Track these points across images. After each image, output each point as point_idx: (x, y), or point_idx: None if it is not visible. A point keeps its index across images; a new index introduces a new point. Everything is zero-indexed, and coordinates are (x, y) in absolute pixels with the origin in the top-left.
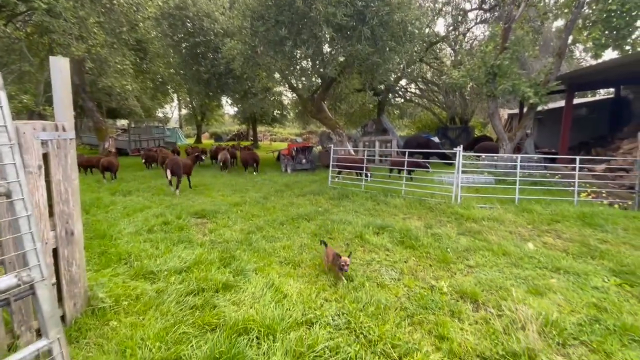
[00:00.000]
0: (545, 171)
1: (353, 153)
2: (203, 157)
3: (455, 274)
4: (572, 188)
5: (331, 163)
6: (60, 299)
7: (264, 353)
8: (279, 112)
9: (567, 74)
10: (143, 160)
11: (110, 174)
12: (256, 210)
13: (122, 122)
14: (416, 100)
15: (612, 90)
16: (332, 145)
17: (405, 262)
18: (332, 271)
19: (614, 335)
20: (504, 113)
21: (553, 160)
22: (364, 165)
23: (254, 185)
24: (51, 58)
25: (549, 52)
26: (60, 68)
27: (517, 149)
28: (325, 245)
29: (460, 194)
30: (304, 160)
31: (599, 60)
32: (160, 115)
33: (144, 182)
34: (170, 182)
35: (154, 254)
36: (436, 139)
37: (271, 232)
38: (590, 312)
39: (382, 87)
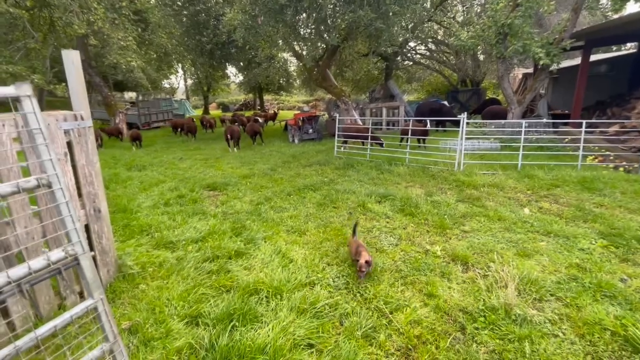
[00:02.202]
0: (555, 135)
1: (360, 122)
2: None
3: (450, 238)
4: (578, 152)
5: (337, 132)
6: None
7: (272, 309)
8: (284, 80)
9: (584, 30)
10: (172, 128)
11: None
12: (264, 181)
13: (130, 95)
14: (425, 63)
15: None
16: (337, 114)
17: (404, 228)
18: (353, 263)
19: (589, 292)
20: (518, 73)
21: (565, 123)
22: (374, 134)
23: (262, 157)
24: (63, 52)
25: (569, 4)
26: (72, 60)
27: (530, 111)
28: (354, 232)
29: (463, 161)
30: (310, 130)
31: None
32: (167, 86)
33: (156, 157)
34: (229, 144)
35: (172, 226)
36: (446, 104)
37: (279, 203)
38: (571, 271)
39: (389, 50)
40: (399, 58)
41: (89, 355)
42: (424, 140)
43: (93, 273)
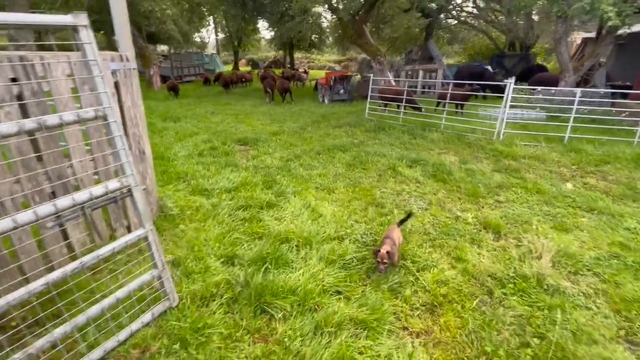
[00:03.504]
0: (611, 108)
1: (394, 83)
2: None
3: (482, 207)
4: (637, 128)
5: (369, 94)
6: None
7: (302, 257)
8: (317, 36)
9: None
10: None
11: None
12: (294, 139)
13: (162, 48)
14: (471, 22)
15: None
16: (371, 75)
17: (434, 194)
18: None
19: (630, 270)
20: (577, 37)
21: (625, 94)
22: (411, 97)
23: (292, 116)
24: None
25: None
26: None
27: (584, 81)
28: (401, 221)
29: (503, 130)
30: (341, 91)
31: None
32: (197, 40)
33: (189, 110)
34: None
35: (206, 175)
36: (489, 68)
37: (308, 161)
38: (613, 249)
39: (434, 5)
40: (442, 15)
41: (140, 279)
42: (462, 106)
43: (144, 205)
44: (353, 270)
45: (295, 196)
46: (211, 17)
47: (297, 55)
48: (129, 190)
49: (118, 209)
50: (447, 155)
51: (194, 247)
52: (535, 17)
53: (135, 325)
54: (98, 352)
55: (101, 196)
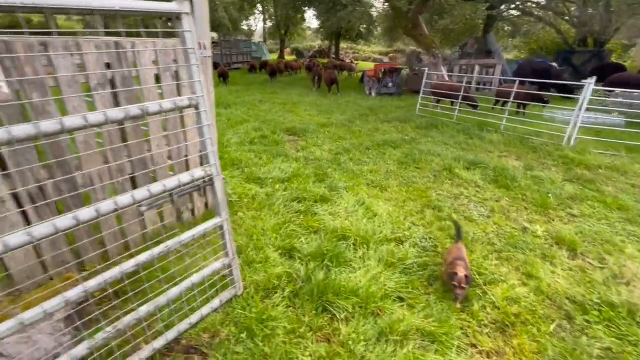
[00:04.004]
0: None
1: (447, 78)
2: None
3: (553, 220)
4: None
5: (422, 88)
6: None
7: (359, 257)
8: (365, 26)
9: None
10: (248, 68)
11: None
12: (342, 132)
13: (212, 35)
14: (538, 13)
15: None
16: (426, 69)
17: (496, 200)
18: (445, 282)
19: None
20: None
21: None
22: (468, 94)
23: (338, 107)
24: None
25: None
26: None
27: None
28: (458, 236)
29: (575, 136)
30: (390, 84)
31: None
32: (245, 28)
33: (239, 97)
34: (314, 84)
35: (258, 163)
36: (555, 65)
37: (357, 156)
38: None
39: None
40: (502, 7)
41: (213, 265)
42: (524, 105)
43: (222, 194)
44: (414, 276)
45: (347, 191)
46: (260, 5)
47: (342, 45)
48: (211, 179)
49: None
50: (508, 159)
51: (253, 236)
52: (615, 8)
53: (205, 310)
54: (173, 332)
55: (187, 183)
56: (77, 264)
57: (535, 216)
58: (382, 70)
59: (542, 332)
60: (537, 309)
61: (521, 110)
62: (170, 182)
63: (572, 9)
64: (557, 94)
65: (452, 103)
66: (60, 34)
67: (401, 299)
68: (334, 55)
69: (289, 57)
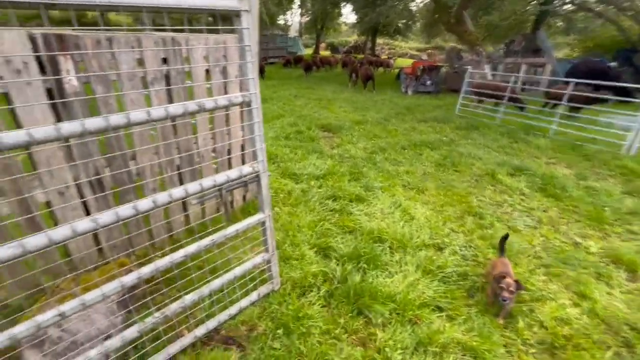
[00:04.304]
0: None
1: (490, 77)
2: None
3: (609, 236)
4: None
5: (464, 88)
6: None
7: (396, 261)
8: (404, 22)
9: None
10: (283, 62)
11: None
12: (377, 130)
13: None
14: (598, 9)
15: None
16: (469, 67)
17: (544, 211)
18: (489, 294)
19: None
20: None
21: None
22: (515, 95)
23: (374, 105)
24: None
25: None
26: None
27: None
28: (502, 249)
29: (638, 145)
30: (428, 82)
31: None
32: (281, 22)
33: (275, 92)
34: (350, 80)
35: (294, 159)
36: (613, 65)
37: (393, 155)
38: None
39: None
40: (557, 1)
41: (254, 260)
42: (578, 109)
43: (267, 191)
44: (454, 286)
45: (383, 192)
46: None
47: (378, 41)
48: (257, 176)
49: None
50: (558, 167)
51: (289, 232)
52: None
53: (244, 302)
54: (213, 322)
55: (236, 179)
56: (129, 248)
57: (589, 231)
58: (421, 67)
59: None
60: (592, 333)
61: (575, 114)
62: (220, 177)
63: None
64: (615, 97)
65: (496, 104)
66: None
67: (440, 309)
68: (369, 51)
69: (323, 53)
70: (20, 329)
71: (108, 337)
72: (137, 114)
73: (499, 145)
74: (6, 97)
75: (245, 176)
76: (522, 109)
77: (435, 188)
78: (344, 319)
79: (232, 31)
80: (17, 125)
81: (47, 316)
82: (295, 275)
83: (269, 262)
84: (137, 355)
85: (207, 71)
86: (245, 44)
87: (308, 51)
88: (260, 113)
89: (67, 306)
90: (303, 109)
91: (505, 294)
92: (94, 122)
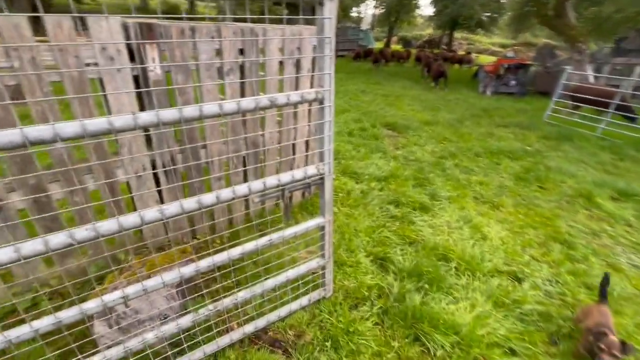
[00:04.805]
0: None
1: (592, 80)
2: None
3: None
4: None
5: (558, 91)
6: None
7: (463, 286)
8: (488, 14)
9: None
10: (352, 56)
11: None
12: (448, 133)
13: None
14: None
15: None
16: (567, 67)
17: None
18: (579, 349)
19: None
20: None
21: None
22: (625, 102)
23: (446, 104)
24: None
25: None
26: None
27: None
28: (603, 294)
29: None
30: (512, 82)
31: None
32: (354, 14)
33: (342, 85)
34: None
35: (356, 157)
36: None
37: (465, 162)
38: None
39: None
40: None
41: (309, 263)
42: None
43: (330, 195)
44: (532, 328)
45: (450, 203)
46: None
47: (456, 35)
48: (322, 178)
49: None
50: None
51: (345, 235)
52: None
53: (294, 306)
54: (262, 321)
55: (300, 180)
56: (191, 232)
57: None
58: (505, 66)
59: None
60: None
61: None
62: (285, 177)
63: None
64: None
65: (598, 112)
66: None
67: (513, 353)
68: (444, 46)
69: (395, 47)
70: (90, 306)
71: (166, 317)
72: (210, 107)
73: (599, 162)
74: (100, 82)
75: (309, 177)
76: (632, 119)
77: (514, 205)
78: (398, 343)
79: (309, 22)
80: (107, 108)
81: (113, 296)
82: (349, 285)
83: (323, 268)
84: (189, 344)
85: (281, 63)
86: (326, 35)
87: (379, 45)
88: (332, 111)
89: (130, 289)
90: (369, 104)
91: (606, 357)
92: (168, 114)
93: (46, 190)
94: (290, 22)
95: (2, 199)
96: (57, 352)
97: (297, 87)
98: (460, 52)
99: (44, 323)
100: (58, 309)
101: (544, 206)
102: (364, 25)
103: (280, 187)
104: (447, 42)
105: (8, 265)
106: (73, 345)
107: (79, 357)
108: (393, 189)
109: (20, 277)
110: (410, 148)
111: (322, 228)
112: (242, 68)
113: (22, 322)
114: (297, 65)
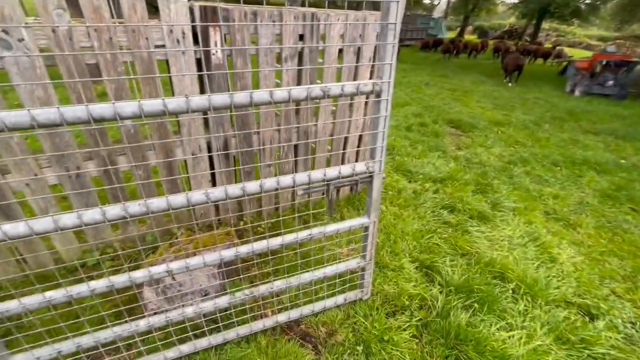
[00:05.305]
0: None
1: None
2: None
3: None
4: None
5: None
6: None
7: (519, 312)
8: (588, 2)
9: None
10: (420, 45)
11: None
12: (521, 136)
13: None
14: None
15: None
16: None
17: None
18: None
19: None
20: None
21: None
22: None
23: (523, 103)
24: None
25: None
26: None
27: None
28: None
29: None
30: (610, 82)
31: None
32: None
33: (405, 76)
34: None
35: (412, 154)
36: None
37: (538, 170)
38: None
39: None
40: None
41: (349, 263)
42: None
43: (378, 194)
44: None
45: (515, 215)
46: None
47: (543, 25)
48: (371, 177)
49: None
50: None
51: (390, 236)
52: None
53: (329, 303)
54: (295, 313)
55: (347, 176)
56: (238, 215)
57: None
58: (603, 62)
59: None
60: None
61: None
62: (331, 172)
63: None
64: None
65: None
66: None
67: None
68: (527, 38)
69: (469, 37)
70: (139, 275)
71: (206, 293)
72: (260, 95)
73: None
74: (167, 64)
75: (357, 174)
76: None
77: (596, 227)
78: None
79: (375, 8)
80: (172, 89)
81: (160, 269)
82: (389, 290)
83: (363, 269)
84: (224, 323)
85: (340, 51)
86: (390, 20)
87: (451, 34)
88: (389, 106)
89: (175, 265)
90: (433, 98)
91: None
92: (219, 99)
93: (115, 163)
94: (355, 7)
95: (80, 166)
96: (110, 311)
97: (355, 77)
98: (547, 45)
99: (100, 284)
100: (117, 271)
101: (635, 232)
102: (436, 14)
103: (326, 182)
104: (531, 33)
105: (70, 230)
106: (122, 308)
107: (127, 319)
108: (449, 192)
109: (90, 237)
110: (474, 149)
111: (366, 229)
112: (300, 55)
113: (83, 280)
114: (358, 53)
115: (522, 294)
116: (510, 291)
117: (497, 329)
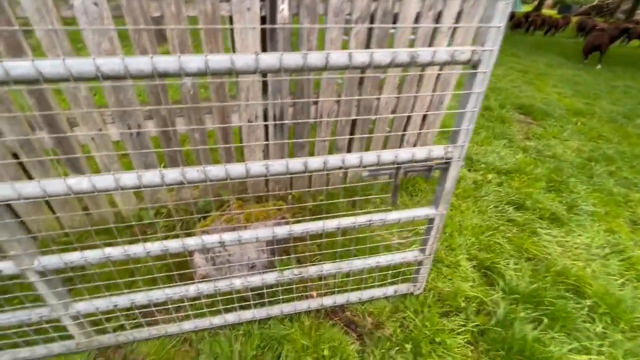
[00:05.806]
0: None
1: None
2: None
3: None
4: None
5: None
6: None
7: (597, 334)
8: None
9: None
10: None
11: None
12: (606, 129)
13: None
14: None
15: None
16: None
17: None
18: None
19: None
20: None
21: None
22: None
23: (610, 92)
24: None
25: None
26: None
27: None
28: None
29: None
30: None
31: None
32: None
33: None
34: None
35: (473, 139)
36: None
37: (625, 171)
38: None
39: None
40: None
41: (405, 255)
42: None
43: (452, 184)
44: None
45: (595, 221)
46: None
47: None
48: (447, 163)
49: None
50: None
51: (447, 228)
52: None
53: (377, 293)
54: (342, 298)
55: (421, 160)
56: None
57: None
58: None
59: None
60: None
61: None
62: (404, 153)
63: None
64: None
65: None
66: None
67: None
68: (621, 14)
69: (548, 12)
70: (191, 242)
71: (253, 266)
72: (338, 57)
73: None
74: (230, 21)
75: (432, 159)
76: None
77: None
78: None
79: None
80: (233, 46)
81: (212, 239)
82: (443, 287)
83: (420, 263)
84: (270, 299)
85: (417, 17)
86: None
87: (527, 9)
88: (487, 81)
89: (227, 236)
90: (500, 80)
91: None
92: (291, 58)
93: (174, 124)
94: None
95: (141, 125)
96: (163, 274)
97: (430, 46)
98: None
99: (155, 247)
100: (170, 230)
101: None
102: None
103: (397, 165)
104: (629, 8)
105: (130, 190)
106: (175, 273)
107: (177, 283)
108: (516, 187)
109: (146, 195)
110: (547, 140)
111: (431, 221)
112: (372, 17)
113: (138, 241)
114: (437, 20)
115: (601, 313)
116: (586, 309)
117: (570, 350)
